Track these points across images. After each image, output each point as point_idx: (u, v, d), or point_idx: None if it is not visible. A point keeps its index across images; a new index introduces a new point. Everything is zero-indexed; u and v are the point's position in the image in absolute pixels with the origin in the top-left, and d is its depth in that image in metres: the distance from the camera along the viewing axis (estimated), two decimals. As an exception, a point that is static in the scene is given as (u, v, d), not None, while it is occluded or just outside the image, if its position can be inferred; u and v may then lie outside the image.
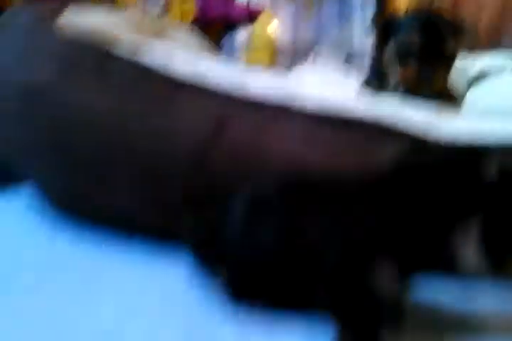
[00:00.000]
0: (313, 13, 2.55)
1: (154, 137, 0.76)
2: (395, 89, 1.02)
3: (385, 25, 1.09)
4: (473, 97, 1.22)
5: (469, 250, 0.54)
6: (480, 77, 1.42)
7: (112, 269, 0.75)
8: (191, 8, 2.34)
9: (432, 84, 1.01)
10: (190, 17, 2.09)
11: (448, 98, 1.07)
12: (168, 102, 0.77)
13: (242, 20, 2.23)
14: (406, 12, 1.10)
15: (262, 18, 2.36)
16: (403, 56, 1.03)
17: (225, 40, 1.97)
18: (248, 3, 2.55)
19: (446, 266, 0.57)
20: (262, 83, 0.81)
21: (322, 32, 2.05)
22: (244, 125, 0.76)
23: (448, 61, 1.03)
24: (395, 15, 1.11)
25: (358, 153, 0.73)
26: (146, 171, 0.78)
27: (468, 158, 0.55)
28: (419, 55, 1.01)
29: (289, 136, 0.76)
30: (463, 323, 0.64)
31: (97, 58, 0.78)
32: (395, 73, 1.05)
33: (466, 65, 1.41)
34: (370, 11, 2.05)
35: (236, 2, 2.75)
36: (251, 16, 2.59)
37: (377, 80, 1.10)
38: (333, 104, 0.78)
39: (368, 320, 0.56)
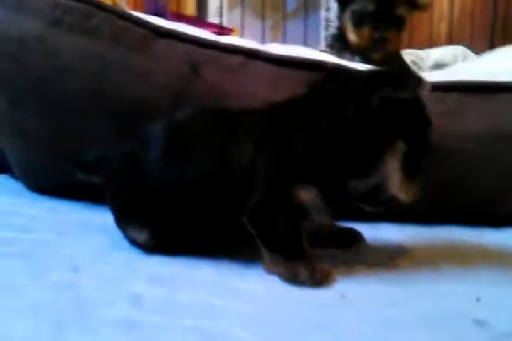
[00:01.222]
0: (281, 33, 2.70)
1: (134, 81, 0.83)
2: (353, 51, 1.12)
3: None
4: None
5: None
6: (436, 66, 1.55)
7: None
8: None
9: (385, 43, 1.11)
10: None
11: (397, 62, 1.17)
12: (147, 49, 0.84)
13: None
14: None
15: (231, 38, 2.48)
16: (357, 20, 1.14)
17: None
18: (220, 23, 2.68)
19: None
20: (232, 40, 0.90)
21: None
22: (217, 68, 0.84)
23: (399, 25, 1.13)
24: None
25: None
26: (123, 117, 0.84)
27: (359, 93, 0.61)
28: (372, 19, 1.12)
29: (256, 79, 0.84)
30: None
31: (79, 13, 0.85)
32: (351, 36, 1.16)
33: (422, 56, 1.55)
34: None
35: (208, 22, 2.88)
36: (222, 35, 2.72)
37: (338, 43, 1.20)
38: (294, 52, 0.87)
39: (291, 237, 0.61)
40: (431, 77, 0.87)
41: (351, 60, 1.07)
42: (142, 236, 0.68)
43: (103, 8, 0.86)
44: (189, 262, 0.64)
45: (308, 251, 0.62)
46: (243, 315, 0.50)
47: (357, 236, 0.74)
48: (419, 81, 0.62)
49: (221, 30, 2.76)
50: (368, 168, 0.61)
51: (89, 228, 0.77)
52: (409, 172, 0.62)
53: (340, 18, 1.23)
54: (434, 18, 1.92)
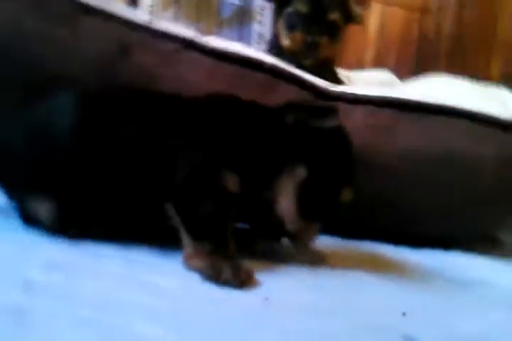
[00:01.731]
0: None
1: (59, 52, 0.75)
2: (288, 58, 1.10)
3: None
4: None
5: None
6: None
7: None
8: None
9: (317, 48, 1.10)
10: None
11: (329, 72, 1.16)
12: (72, 24, 0.76)
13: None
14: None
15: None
16: (291, 23, 1.13)
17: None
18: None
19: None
20: (166, 25, 0.84)
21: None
22: (149, 53, 0.77)
23: (332, 31, 1.13)
24: None
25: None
26: (35, 88, 0.75)
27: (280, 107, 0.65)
28: (305, 23, 1.11)
29: (191, 70, 0.79)
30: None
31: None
32: (284, 40, 1.14)
33: (350, 77, 1.56)
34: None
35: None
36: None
37: (274, 49, 1.18)
38: (233, 47, 0.83)
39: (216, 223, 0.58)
40: (365, 90, 0.87)
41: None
42: (45, 209, 0.60)
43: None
44: (96, 250, 0.57)
45: (233, 247, 0.57)
46: (153, 310, 0.43)
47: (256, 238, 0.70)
48: (334, 112, 0.64)
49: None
50: (267, 180, 0.61)
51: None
52: (306, 209, 0.61)
53: (275, 23, 1.21)
54: (361, 43, 1.97)
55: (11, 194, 0.63)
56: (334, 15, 1.13)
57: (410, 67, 1.94)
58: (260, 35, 3.06)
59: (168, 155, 0.59)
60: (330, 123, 0.63)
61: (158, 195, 0.59)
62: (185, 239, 0.57)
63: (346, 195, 0.64)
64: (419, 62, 1.94)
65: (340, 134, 0.65)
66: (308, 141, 0.62)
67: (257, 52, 0.87)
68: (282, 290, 0.54)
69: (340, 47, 1.23)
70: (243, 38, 2.60)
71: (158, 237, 0.62)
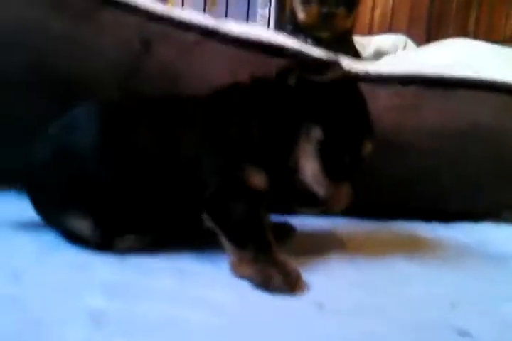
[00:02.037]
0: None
1: (83, 53, 0.74)
2: (305, 33, 1.08)
3: None
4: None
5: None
6: (377, 54, 1.55)
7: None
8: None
9: (333, 20, 1.08)
10: None
11: (347, 46, 1.14)
12: (93, 19, 0.75)
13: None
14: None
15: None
16: None
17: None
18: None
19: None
20: (185, 14, 0.82)
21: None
22: (171, 46, 0.77)
23: (348, 2, 1.10)
24: None
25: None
26: (61, 94, 0.75)
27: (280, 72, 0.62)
28: None
29: (212, 61, 0.78)
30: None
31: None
32: (300, 15, 1.11)
33: (363, 43, 1.54)
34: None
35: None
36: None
37: (290, 25, 1.15)
38: (254, 34, 0.82)
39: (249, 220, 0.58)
40: (387, 67, 0.86)
41: (304, 41, 1.03)
42: (85, 226, 0.61)
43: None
44: (145, 263, 0.58)
45: (275, 247, 0.57)
46: (211, 328, 0.44)
47: (292, 228, 0.72)
48: (334, 64, 0.62)
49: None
50: (288, 151, 0.60)
51: (17, 226, 0.68)
52: (331, 169, 0.60)
53: None
54: (373, 8, 1.92)
55: (47, 215, 0.64)
56: None
57: (422, 28, 1.89)
58: (263, 17, 2.99)
59: (192, 164, 0.60)
60: (331, 75, 0.60)
61: (193, 205, 0.60)
62: (228, 247, 0.58)
63: (367, 147, 0.62)
64: (431, 22, 1.89)
65: (345, 85, 0.62)
66: (314, 98, 0.60)
67: (278, 36, 0.85)
68: (331, 291, 0.55)
69: (356, 18, 1.20)
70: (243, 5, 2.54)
71: (202, 243, 0.63)
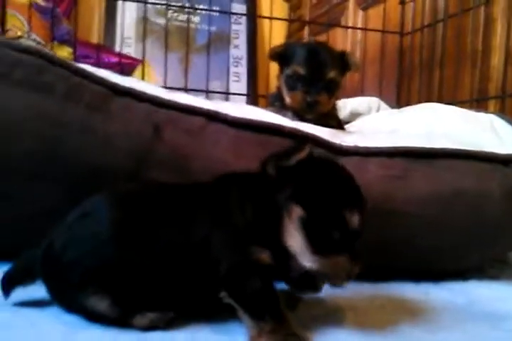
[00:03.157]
0: (190, 66, 2.71)
1: (92, 144, 0.80)
2: (290, 111, 1.17)
3: (280, 56, 1.24)
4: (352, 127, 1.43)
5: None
6: (352, 115, 1.66)
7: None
8: (68, 54, 2.36)
9: (316, 106, 1.16)
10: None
11: (331, 119, 1.23)
12: (105, 108, 0.81)
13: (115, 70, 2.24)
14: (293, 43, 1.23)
15: (139, 70, 2.44)
16: (291, 84, 1.19)
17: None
18: (121, 54, 2.61)
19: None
20: (188, 99, 0.90)
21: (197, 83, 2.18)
22: (179, 130, 0.83)
23: (331, 89, 1.19)
24: (289, 46, 1.25)
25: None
26: (77, 184, 0.80)
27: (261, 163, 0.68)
28: (304, 83, 1.17)
29: (217, 142, 0.85)
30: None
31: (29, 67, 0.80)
32: (287, 98, 1.20)
33: (339, 105, 1.64)
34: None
35: (115, 51, 2.81)
36: (126, 67, 2.66)
37: (278, 102, 1.24)
38: (253, 115, 0.89)
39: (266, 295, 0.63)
40: (374, 140, 0.94)
41: (291, 118, 1.11)
42: (105, 306, 0.65)
43: (55, 62, 0.82)
44: (166, 338, 0.62)
45: (290, 319, 0.62)
46: None
47: (298, 298, 0.76)
48: (298, 149, 0.66)
49: (127, 60, 2.72)
50: (277, 232, 0.65)
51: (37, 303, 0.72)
52: (319, 244, 0.63)
53: (279, 78, 1.27)
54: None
55: (66, 301, 0.68)
56: (332, 74, 1.18)
57: (392, 90, 2.03)
58: (237, 59, 3.14)
59: (203, 248, 0.65)
60: (296, 157, 0.65)
61: (208, 283, 0.65)
62: (246, 320, 0.62)
63: (352, 218, 0.64)
64: (400, 85, 2.03)
65: (313, 163, 0.67)
66: (288, 180, 0.65)
67: (273, 116, 0.93)
68: None
69: (338, 97, 1.29)
70: (220, 62, 2.67)
71: (220, 317, 0.68)
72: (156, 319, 0.66)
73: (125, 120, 0.81)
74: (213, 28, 2.86)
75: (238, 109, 0.91)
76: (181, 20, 2.94)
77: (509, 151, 0.99)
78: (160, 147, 0.81)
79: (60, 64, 0.82)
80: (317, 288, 0.70)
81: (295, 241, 0.64)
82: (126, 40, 2.94)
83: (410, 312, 0.76)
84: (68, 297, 0.68)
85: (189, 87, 2.04)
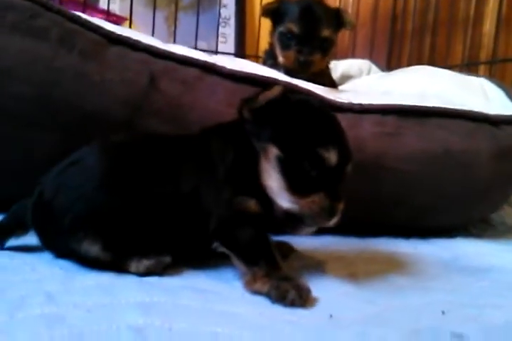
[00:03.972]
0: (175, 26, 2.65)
1: (87, 90, 0.79)
2: (283, 69, 1.16)
3: (273, 13, 1.22)
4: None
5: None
6: (343, 78, 1.65)
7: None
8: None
9: (310, 66, 1.14)
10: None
11: (324, 78, 1.22)
12: (100, 56, 0.80)
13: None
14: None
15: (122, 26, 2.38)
16: (284, 42, 1.17)
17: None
18: (108, 11, 2.55)
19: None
20: (184, 51, 0.88)
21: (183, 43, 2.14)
22: (175, 81, 0.82)
23: (325, 48, 1.17)
24: (282, 2, 1.20)
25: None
26: (72, 128, 0.80)
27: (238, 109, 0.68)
28: (297, 41, 1.15)
29: (213, 93, 0.84)
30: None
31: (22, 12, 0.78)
32: (279, 57, 1.18)
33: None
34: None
35: (98, 8, 2.73)
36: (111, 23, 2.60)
37: (270, 60, 1.22)
38: (249, 69, 0.89)
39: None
40: (369, 97, 0.94)
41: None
42: (96, 250, 0.66)
43: (49, 7, 0.80)
44: (164, 286, 0.63)
45: (282, 264, 0.63)
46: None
47: (290, 247, 0.79)
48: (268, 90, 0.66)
49: (111, 17, 2.65)
50: (255, 178, 0.66)
51: (35, 248, 0.73)
52: (298, 184, 0.63)
53: (271, 35, 1.25)
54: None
55: (58, 247, 0.69)
56: (326, 32, 1.16)
57: (384, 54, 2.02)
58: (225, 19, 3.08)
59: (192, 198, 0.66)
60: (268, 95, 0.65)
61: (201, 232, 0.66)
62: (241, 266, 0.63)
63: (328, 155, 0.63)
64: (391, 48, 2.02)
65: (282, 102, 0.66)
66: (261, 121, 0.65)
67: (267, 70, 0.92)
68: (339, 304, 0.61)
69: (332, 56, 1.28)
70: (206, 21, 2.61)
71: (214, 263, 0.70)
72: (151, 266, 0.66)
73: (120, 68, 0.80)
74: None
75: (234, 62, 0.90)
76: (169, -23, 2.85)
77: (499, 112, 1.01)
78: (155, 96, 0.81)
79: (54, 9, 0.79)
80: (305, 228, 0.68)
81: (273, 181, 0.65)
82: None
83: (398, 264, 0.79)
84: (60, 243, 0.68)
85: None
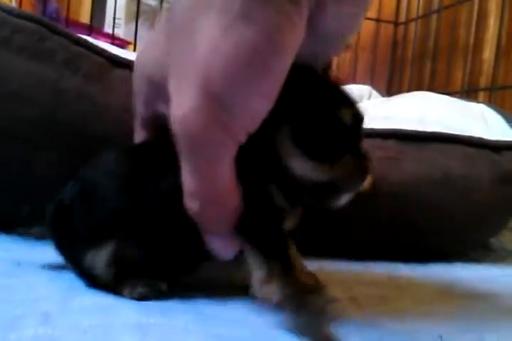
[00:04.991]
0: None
1: (90, 112, 0.80)
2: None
3: None
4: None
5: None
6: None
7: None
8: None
9: None
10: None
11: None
12: (104, 78, 0.81)
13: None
14: None
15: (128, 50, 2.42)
16: None
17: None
18: (113, 34, 2.59)
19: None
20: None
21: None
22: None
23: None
24: None
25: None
26: (77, 151, 0.80)
27: None
28: None
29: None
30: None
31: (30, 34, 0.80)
32: None
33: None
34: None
35: (103, 32, 2.78)
36: (116, 46, 2.64)
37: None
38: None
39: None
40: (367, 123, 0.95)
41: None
42: (102, 261, 0.63)
43: (56, 31, 0.81)
44: (164, 307, 0.62)
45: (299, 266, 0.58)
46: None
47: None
48: None
49: (116, 41, 2.69)
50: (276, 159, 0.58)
51: (34, 267, 0.73)
52: (320, 153, 0.57)
53: None
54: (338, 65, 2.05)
55: (69, 254, 0.67)
56: None
57: (384, 80, 2.04)
58: None
59: None
60: None
61: None
62: (256, 261, 0.56)
63: (345, 115, 0.58)
64: (392, 74, 2.05)
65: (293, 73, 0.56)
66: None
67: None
68: (341, 329, 0.57)
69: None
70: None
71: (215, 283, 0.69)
72: (145, 292, 0.64)
73: (123, 92, 0.81)
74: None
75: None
76: (173, 3, 2.89)
77: (498, 138, 1.02)
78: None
79: (61, 33, 0.81)
80: (340, 197, 0.60)
81: (295, 160, 0.57)
82: (116, 20, 2.90)
83: (398, 288, 0.78)
84: (72, 250, 0.66)
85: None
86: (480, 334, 0.60)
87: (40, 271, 0.72)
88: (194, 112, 0.47)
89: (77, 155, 0.77)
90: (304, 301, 0.51)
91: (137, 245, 0.64)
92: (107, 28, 2.82)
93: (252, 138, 0.55)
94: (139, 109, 0.64)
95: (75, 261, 0.67)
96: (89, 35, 2.08)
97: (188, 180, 0.52)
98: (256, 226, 0.57)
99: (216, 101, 0.46)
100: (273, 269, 0.54)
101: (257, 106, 0.49)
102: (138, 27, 2.48)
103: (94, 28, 2.71)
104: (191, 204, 0.54)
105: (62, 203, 0.66)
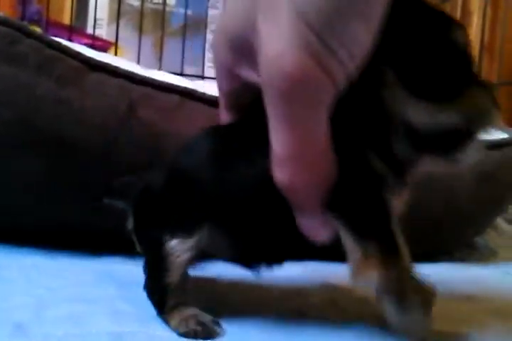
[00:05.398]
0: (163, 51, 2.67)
1: (66, 117, 0.78)
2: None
3: None
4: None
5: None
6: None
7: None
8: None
9: None
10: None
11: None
12: (79, 82, 0.80)
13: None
14: None
15: (110, 53, 2.39)
16: None
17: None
18: (94, 35, 2.56)
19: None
20: (164, 77, 0.89)
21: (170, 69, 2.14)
22: (153, 108, 0.82)
23: None
24: None
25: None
26: (54, 155, 0.79)
27: None
28: None
29: (192, 121, 0.84)
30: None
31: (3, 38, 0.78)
32: None
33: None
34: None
35: (85, 33, 2.75)
36: (97, 49, 2.60)
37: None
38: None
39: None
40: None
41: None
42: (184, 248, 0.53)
43: (29, 34, 0.79)
44: (139, 315, 0.61)
45: (404, 249, 0.46)
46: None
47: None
48: None
49: (98, 42, 2.66)
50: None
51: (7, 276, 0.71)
52: (443, 84, 0.45)
53: None
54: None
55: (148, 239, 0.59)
56: None
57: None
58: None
59: None
60: None
61: None
62: (350, 240, 0.46)
63: (458, 36, 0.46)
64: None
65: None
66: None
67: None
68: None
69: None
70: (194, 47, 2.64)
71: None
72: (193, 332, 0.55)
73: (100, 95, 0.80)
74: (189, 12, 2.81)
75: (215, 87, 0.90)
76: (156, 3, 2.86)
77: (482, 138, 1.01)
78: (134, 124, 0.80)
79: (34, 36, 0.79)
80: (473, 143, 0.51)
81: (409, 105, 0.45)
82: (98, 21, 2.87)
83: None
84: (154, 235, 0.56)
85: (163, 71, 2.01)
86: (466, 334, 0.59)
87: (15, 279, 0.70)
88: (291, 48, 0.40)
89: (57, 161, 0.76)
90: (407, 290, 0.43)
91: (228, 231, 0.54)
92: (90, 29, 2.80)
93: (349, 89, 0.43)
94: (222, 84, 0.59)
95: (152, 248, 0.57)
96: (70, 36, 2.07)
97: (279, 141, 0.44)
98: (349, 197, 0.46)
99: (315, 33, 0.40)
100: (369, 249, 0.44)
101: (360, 35, 0.42)
102: (120, 27, 2.46)
103: (76, 28, 2.68)
104: (281, 173, 0.46)
105: (151, 187, 0.58)
